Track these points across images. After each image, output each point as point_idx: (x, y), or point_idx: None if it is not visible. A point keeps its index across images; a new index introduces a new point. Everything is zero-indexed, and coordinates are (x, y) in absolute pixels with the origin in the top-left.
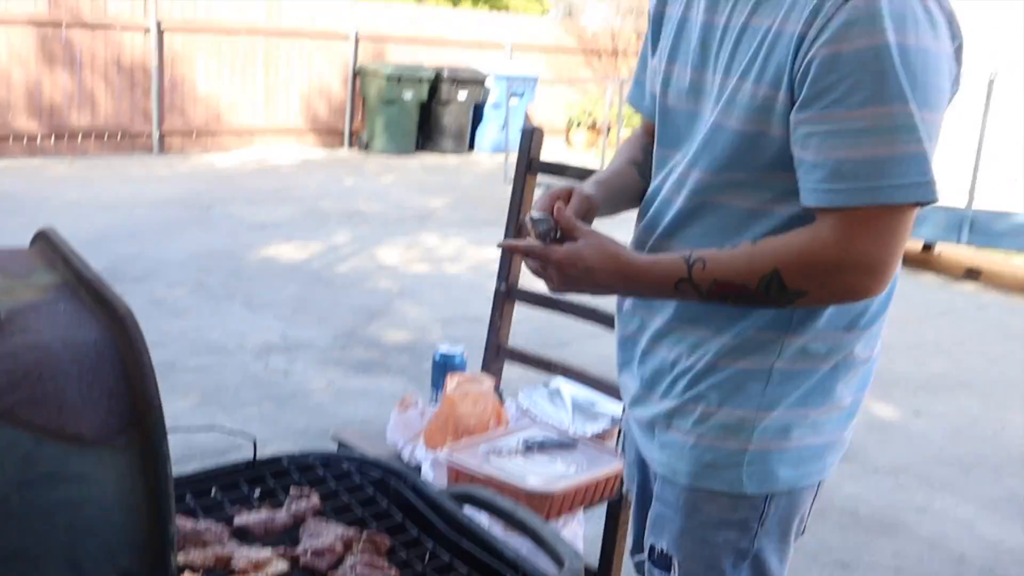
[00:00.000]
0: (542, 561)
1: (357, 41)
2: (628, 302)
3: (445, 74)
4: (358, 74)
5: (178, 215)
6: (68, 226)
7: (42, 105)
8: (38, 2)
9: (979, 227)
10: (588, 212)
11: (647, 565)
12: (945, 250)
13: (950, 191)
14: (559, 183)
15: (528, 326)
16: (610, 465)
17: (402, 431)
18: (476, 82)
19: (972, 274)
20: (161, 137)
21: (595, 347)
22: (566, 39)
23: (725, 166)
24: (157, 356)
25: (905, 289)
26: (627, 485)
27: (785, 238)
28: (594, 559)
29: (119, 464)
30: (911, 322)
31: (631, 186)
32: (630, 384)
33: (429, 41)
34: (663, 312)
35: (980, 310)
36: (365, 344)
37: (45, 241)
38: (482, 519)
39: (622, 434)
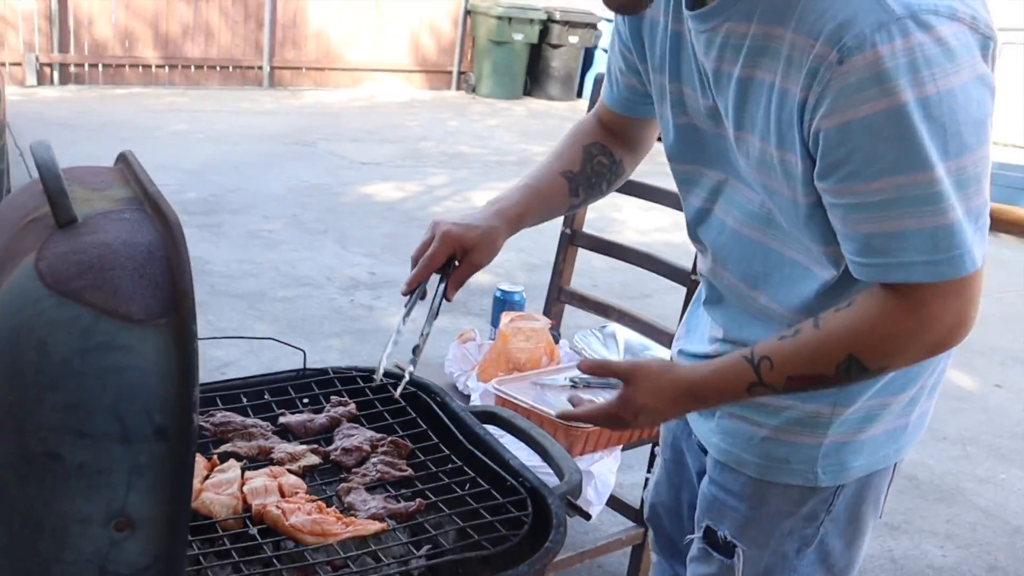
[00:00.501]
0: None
1: None
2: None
3: (557, 16)
4: (468, 13)
5: (281, 150)
6: (175, 156)
7: (159, 35)
8: None
9: None
10: (472, 262)
11: (700, 544)
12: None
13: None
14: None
15: (614, 276)
16: None
17: (459, 363)
18: (588, 25)
19: None
20: (272, 71)
21: (674, 300)
22: None
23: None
24: (248, 285)
25: (1010, 258)
26: (661, 445)
27: (850, 319)
28: (635, 499)
29: (158, 340)
30: (1010, 292)
31: (555, 203)
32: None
33: None
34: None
35: None
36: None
37: (124, 162)
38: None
39: None
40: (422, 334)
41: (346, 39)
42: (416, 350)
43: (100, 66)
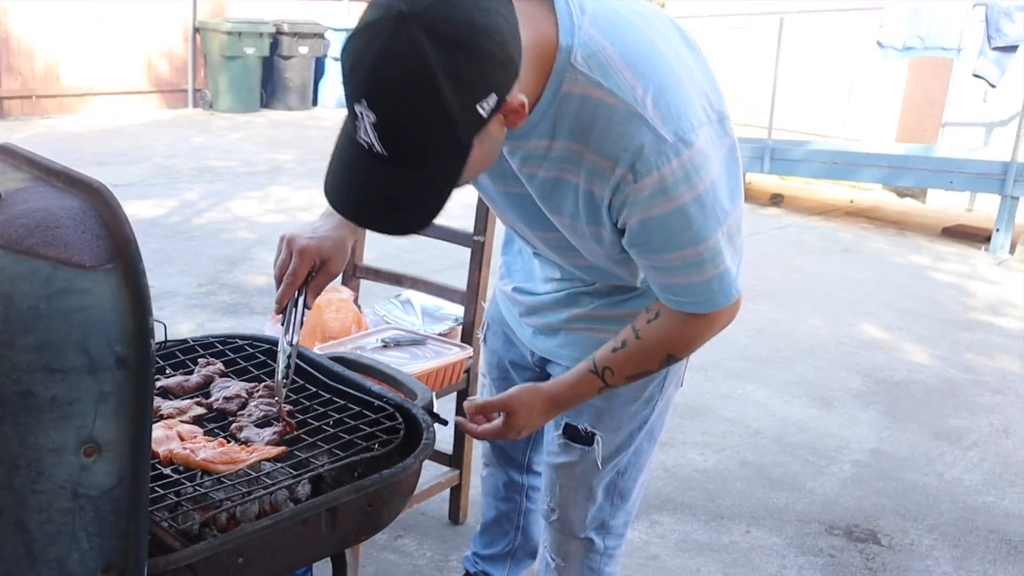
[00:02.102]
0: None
1: None
2: (540, 269)
3: (285, 28)
4: (198, 30)
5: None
6: None
7: None
8: None
9: (779, 156)
10: (329, 272)
11: (560, 440)
12: (755, 179)
13: (753, 123)
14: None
15: (401, 260)
16: (455, 355)
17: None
18: (317, 35)
19: (776, 199)
20: (1, 101)
21: (460, 275)
22: None
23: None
24: None
25: None
26: (485, 369)
27: (662, 330)
28: (448, 446)
29: (111, 281)
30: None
31: None
32: (524, 299)
33: None
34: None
35: (781, 230)
36: (229, 289)
37: (5, 151)
38: None
39: (485, 325)
40: (290, 345)
41: (76, 63)
42: (289, 361)
43: None
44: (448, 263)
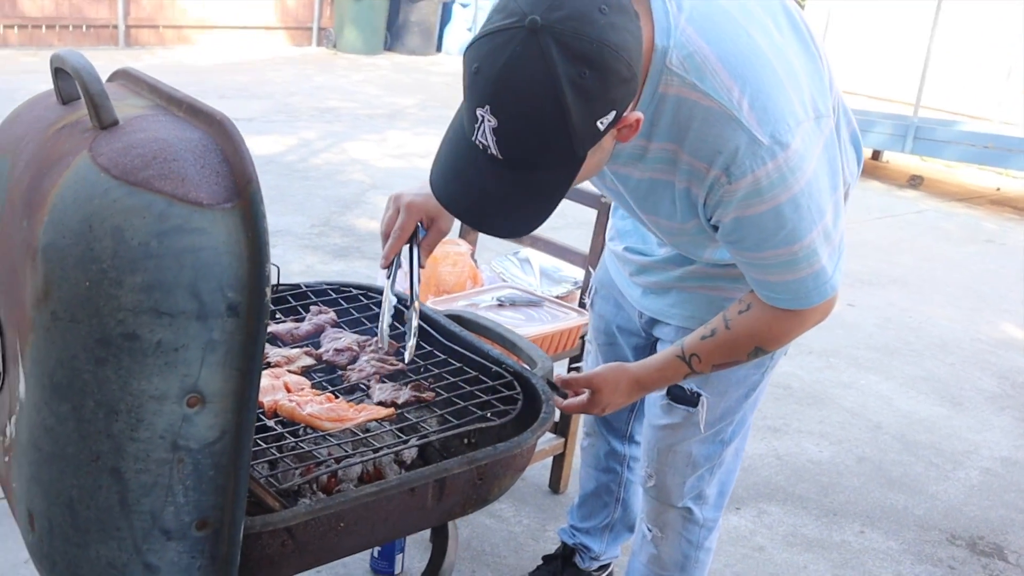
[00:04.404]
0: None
1: None
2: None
3: None
4: None
5: None
6: None
7: None
8: None
9: (923, 135)
10: (439, 229)
11: (663, 400)
12: (893, 158)
13: (896, 99)
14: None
15: None
16: (572, 320)
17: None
18: None
19: (915, 181)
20: (128, 29)
21: (582, 234)
22: None
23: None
24: None
25: (852, 194)
26: (592, 335)
27: (752, 322)
28: (555, 413)
29: (228, 222)
30: (853, 224)
31: None
32: (636, 258)
33: None
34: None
35: (919, 214)
36: (341, 232)
37: (126, 76)
38: None
39: (592, 290)
40: (412, 303)
41: None
42: (410, 319)
43: None
44: (565, 222)
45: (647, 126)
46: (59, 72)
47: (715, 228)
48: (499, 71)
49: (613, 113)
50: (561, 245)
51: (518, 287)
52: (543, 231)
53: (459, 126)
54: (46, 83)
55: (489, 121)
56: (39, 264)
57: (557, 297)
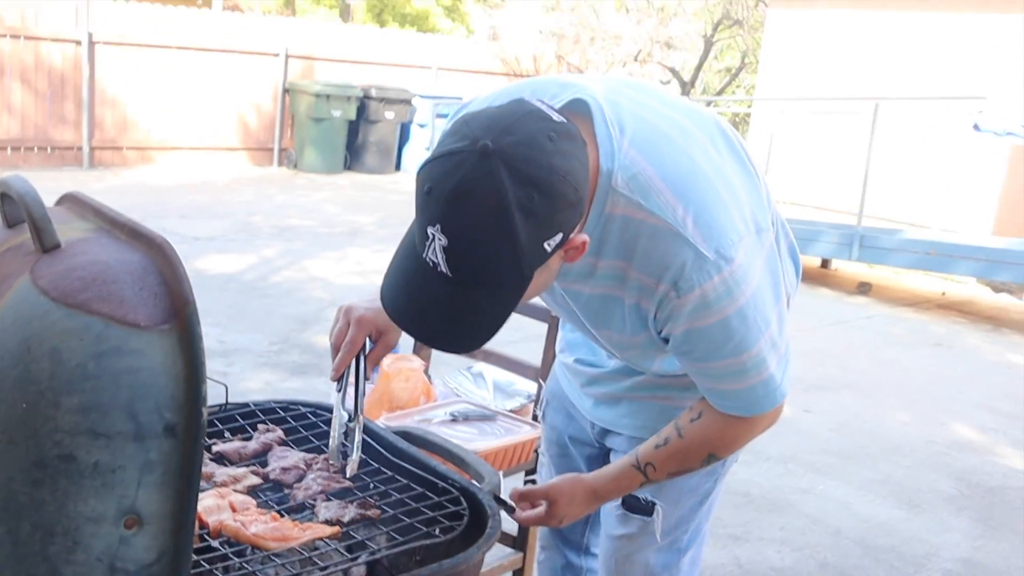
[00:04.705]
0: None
1: (287, 59)
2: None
3: (373, 92)
4: (288, 91)
5: None
6: None
7: None
8: None
9: (868, 243)
10: (387, 343)
11: (619, 511)
12: (841, 266)
13: (842, 209)
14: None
15: None
16: (526, 433)
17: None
18: (403, 101)
19: (863, 288)
20: (92, 151)
21: (535, 348)
22: (491, 61)
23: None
24: None
25: (802, 301)
26: (544, 447)
27: (705, 430)
28: (513, 526)
29: (165, 344)
30: (805, 331)
31: None
32: (586, 370)
33: (357, 61)
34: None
35: (868, 320)
36: (300, 349)
37: (72, 200)
38: None
39: (543, 402)
40: (356, 417)
41: (167, 117)
42: (354, 433)
43: None
44: (522, 335)
45: (595, 244)
46: (4, 197)
47: (665, 340)
48: (450, 191)
49: (560, 235)
50: (513, 359)
51: (471, 402)
52: (496, 345)
53: (410, 243)
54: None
55: (440, 239)
56: None
57: (511, 411)
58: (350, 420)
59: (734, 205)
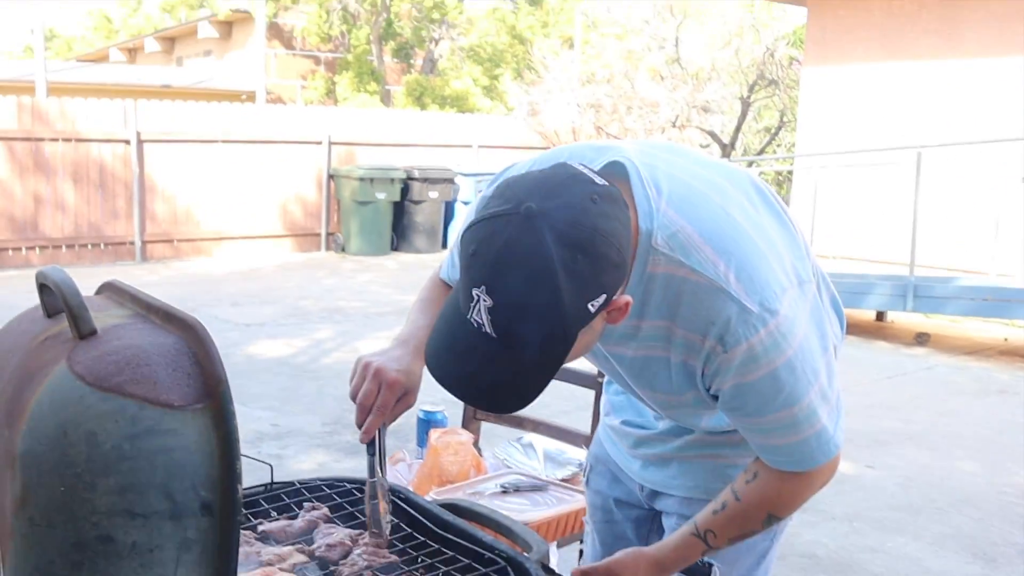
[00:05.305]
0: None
1: (330, 146)
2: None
3: (415, 173)
4: (332, 177)
5: None
6: None
7: (27, 219)
8: (23, 116)
9: (922, 293)
10: (408, 402)
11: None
12: (897, 317)
13: (893, 260)
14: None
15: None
16: (578, 502)
17: (392, 481)
18: (446, 180)
19: (921, 338)
20: (144, 245)
21: (585, 416)
22: (530, 136)
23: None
24: None
25: (859, 355)
26: (589, 513)
27: (761, 490)
28: None
29: (199, 423)
30: (864, 384)
31: None
32: (634, 431)
33: (398, 144)
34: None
35: (929, 370)
36: (352, 429)
37: (111, 288)
38: None
39: (587, 467)
40: (383, 475)
41: (215, 208)
42: (383, 492)
43: None
44: (574, 404)
45: (638, 306)
46: (43, 287)
47: (715, 397)
48: (496, 253)
49: (604, 296)
50: (562, 428)
51: (522, 472)
52: (545, 415)
53: (454, 305)
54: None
55: (485, 301)
56: (18, 472)
57: (562, 480)
58: (376, 480)
59: (775, 258)
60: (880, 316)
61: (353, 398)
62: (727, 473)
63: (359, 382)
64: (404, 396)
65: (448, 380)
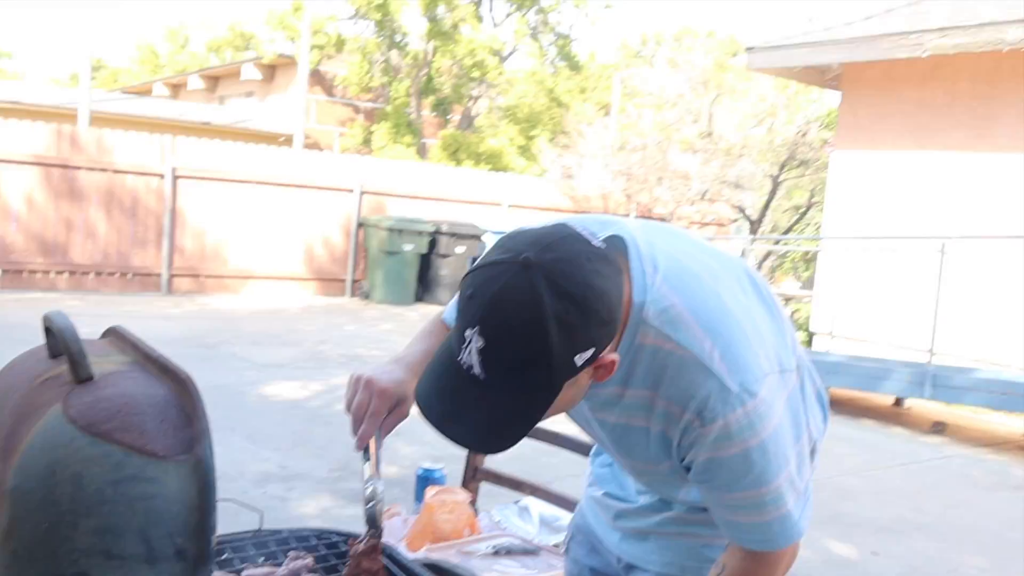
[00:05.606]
0: None
1: (361, 195)
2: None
3: (444, 228)
4: (361, 226)
5: (185, 352)
6: None
7: (57, 244)
8: (62, 144)
9: (941, 382)
10: (402, 412)
11: None
12: (915, 404)
13: (911, 347)
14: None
15: (522, 464)
16: None
17: (386, 536)
18: (473, 236)
19: (938, 427)
20: (170, 278)
21: (577, 483)
22: (560, 199)
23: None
24: None
25: (874, 440)
26: None
27: (738, 566)
28: None
29: (180, 473)
30: (877, 470)
31: None
32: (615, 504)
33: (429, 197)
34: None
35: (944, 460)
36: (359, 477)
37: (115, 334)
38: None
39: (568, 536)
40: (375, 489)
41: (243, 247)
42: (378, 504)
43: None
44: (567, 471)
45: (624, 374)
46: (48, 330)
47: (687, 469)
48: (490, 297)
49: (592, 351)
50: (559, 494)
51: (515, 535)
52: (545, 479)
53: (448, 347)
54: (89, 325)
55: (476, 342)
56: (6, 505)
57: (554, 545)
58: (372, 482)
59: (759, 344)
60: (898, 402)
61: (348, 410)
62: (703, 553)
63: (351, 394)
64: (398, 408)
65: (433, 416)
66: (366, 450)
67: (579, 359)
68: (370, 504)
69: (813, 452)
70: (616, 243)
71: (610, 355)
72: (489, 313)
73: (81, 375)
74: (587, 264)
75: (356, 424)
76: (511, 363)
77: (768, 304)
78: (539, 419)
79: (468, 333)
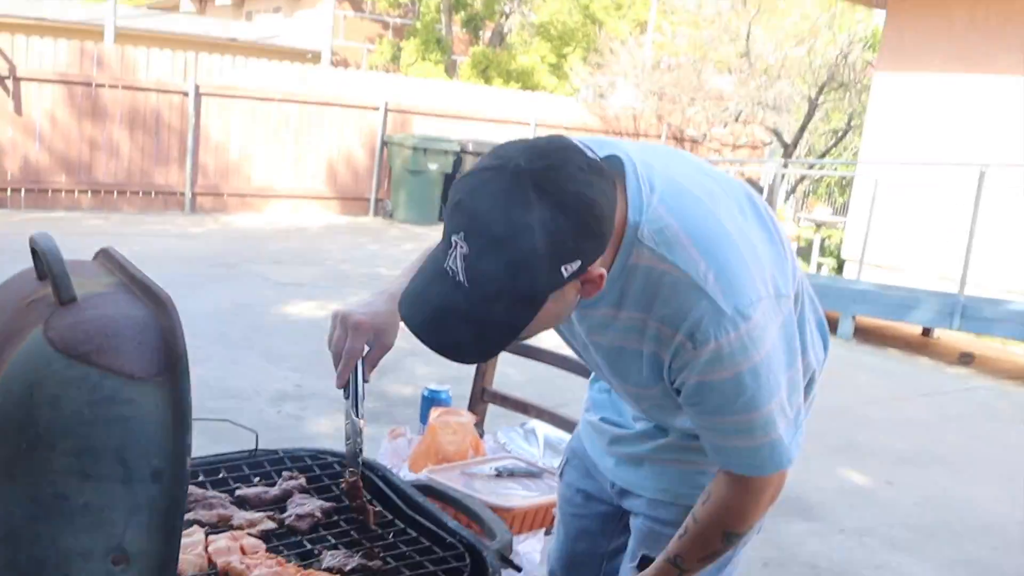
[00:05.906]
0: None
1: (387, 113)
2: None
3: (470, 147)
4: (385, 144)
5: (206, 271)
6: None
7: (80, 162)
8: (85, 62)
9: (970, 313)
10: (383, 344)
11: (636, 573)
12: (944, 335)
13: (943, 276)
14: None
15: (532, 388)
16: None
17: (391, 457)
18: None
19: (965, 358)
20: (193, 197)
21: (570, 412)
22: (590, 119)
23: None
24: None
25: (898, 370)
26: (559, 504)
27: (713, 510)
28: None
29: (156, 394)
30: (899, 400)
31: None
32: (611, 429)
33: (456, 116)
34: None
35: (968, 392)
36: (374, 396)
37: (105, 255)
38: None
39: (563, 460)
40: (359, 420)
41: (266, 166)
42: (359, 436)
43: (22, 191)
44: (573, 396)
45: (617, 295)
46: (34, 252)
47: (678, 392)
48: (478, 203)
49: (579, 263)
50: (565, 417)
51: (519, 458)
52: (552, 405)
53: (435, 254)
54: (112, 245)
55: (461, 247)
56: None
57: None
58: (351, 420)
59: (756, 267)
60: (927, 332)
61: (329, 347)
62: (696, 479)
63: (331, 331)
64: (377, 340)
65: (414, 322)
66: (346, 387)
67: (566, 270)
68: (349, 442)
69: (812, 382)
70: (613, 163)
71: (598, 269)
72: (476, 219)
73: (64, 297)
74: (579, 174)
75: (336, 361)
76: (495, 270)
77: (768, 229)
78: (522, 329)
79: (455, 239)
